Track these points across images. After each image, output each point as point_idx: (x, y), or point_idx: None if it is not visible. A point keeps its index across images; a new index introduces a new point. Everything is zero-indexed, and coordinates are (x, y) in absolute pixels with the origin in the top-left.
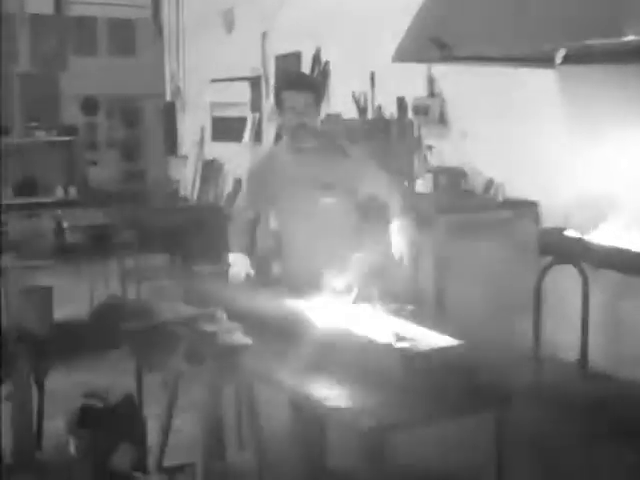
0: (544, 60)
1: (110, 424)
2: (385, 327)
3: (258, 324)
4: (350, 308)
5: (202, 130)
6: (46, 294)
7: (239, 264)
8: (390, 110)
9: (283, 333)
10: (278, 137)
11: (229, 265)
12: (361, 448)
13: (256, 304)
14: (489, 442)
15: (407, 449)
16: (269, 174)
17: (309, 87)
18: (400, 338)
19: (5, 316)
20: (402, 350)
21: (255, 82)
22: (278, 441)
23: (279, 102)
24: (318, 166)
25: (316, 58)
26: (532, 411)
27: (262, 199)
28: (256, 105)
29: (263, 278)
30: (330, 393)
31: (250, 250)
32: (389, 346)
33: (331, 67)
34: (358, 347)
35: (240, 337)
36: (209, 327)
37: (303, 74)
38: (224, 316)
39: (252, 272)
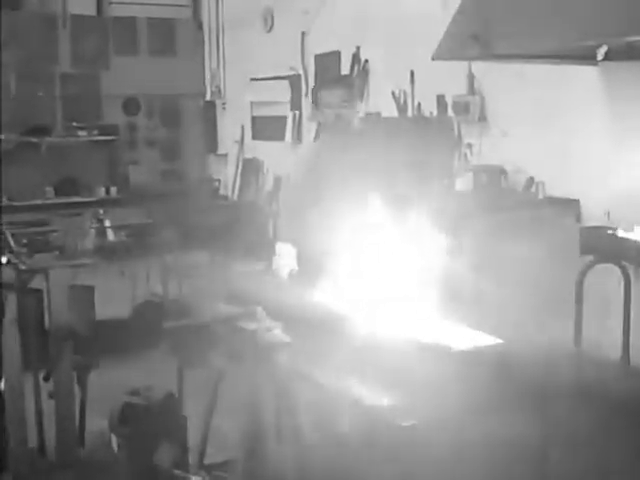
0: (586, 57)
1: (151, 422)
2: (426, 327)
3: (298, 322)
4: (389, 306)
5: (242, 129)
6: (88, 293)
7: (285, 255)
8: (430, 108)
9: (322, 332)
10: (317, 135)
11: (275, 255)
12: (402, 445)
13: (295, 302)
14: (533, 440)
15: (449, 447)
16: None
17: None
18: (443, 338)
19: (49, 315)
20: (444, 349)
21: (295, 81)
22: (317, 439)
23: None
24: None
25: (356, 57)
26: (575, 409)
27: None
28: (296, 104)
29: (310, 273)
30: (370, 391)
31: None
32: (432, 345)
33: (370, 66)
34: (399, 347)
35: (280, 335)
36: (249, 325)
37: None
38: (264, 314)
39: (296, 267)
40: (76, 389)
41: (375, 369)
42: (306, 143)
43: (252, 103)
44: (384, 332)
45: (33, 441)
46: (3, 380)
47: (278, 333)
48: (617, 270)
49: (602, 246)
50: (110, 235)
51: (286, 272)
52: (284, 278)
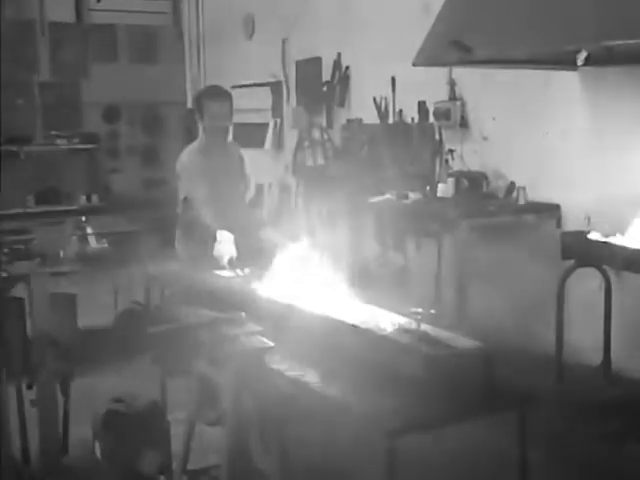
0: (566, 62)
1: (135, 429)
2: (405, 327)
3: (276, 325)
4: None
5: None
6: (71, 301)
7: (225, 242)
8: (411, 114)
9: (303, 332)
10: (300, 142)
11: (216, 241)
12: (383, 450)
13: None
14: (511, 444)
15: (428, 451)
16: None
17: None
18: (422, 340)
19: (31, 323)
20: (424, 352)
21: (276, 88)
22: (301, 444)
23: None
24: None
25: (337, 63)
26: (554, 413)
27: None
28: (277, 111)
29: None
30: (351, 395)
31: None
32: (411, 348)
33: (352, 72)
34: (380, 349)
35: (261, 340)
36: (231, 331)
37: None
38: (245, 319)
39: (235, 254)
40: (59, 397)
41: (354, 372)
42: (287, 150)
43: (233, 109)
44: (363, 333)
45: (17, 449)
46: None
47: (259, 338)
48: (598, 274)
49: (583, 250)
50: (92, 243)
51: (226, 259)
52: (224, 264)
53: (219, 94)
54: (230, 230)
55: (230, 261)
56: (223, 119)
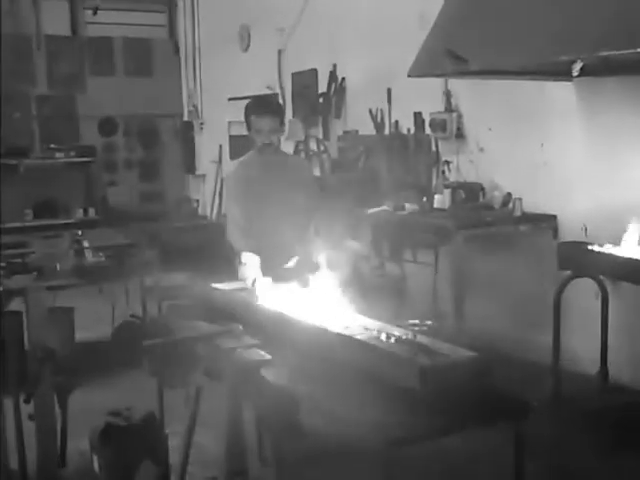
0: (561, 73)
1: (133, 442)
2: (402, 339)
3: (276, 338)
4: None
5: (220, 149)
6: (68, 315)
7: (250, 263)
8: (407, 126)
9: (299, 346)
10: (295, 152)
11: (242, 263)
12: (381, 461)
13: (267, 318)
14: (508, 455)
15: (425, 462)
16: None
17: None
18: (418, 351)
19: (28, 337)
20: (420, 364)
21: None
22: (298, 456)
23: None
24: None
25: (333, 75)
26: (552, 424)
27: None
28: None
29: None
30: (348, 407)
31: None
32: (408, 359)
33: (347, 83)
34: (376, 360)
35: (258, 353)
36: (227, 344)
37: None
38: (242, 332)
39: (260, 276)
40: (57, 410)
41: (350, 384)
42: None
43: (230, 123)
44: (357, 345)
45: (14, 463)
46: None
47: (257, 351)
48: (594, 285)
49: (579, 261)
50: (89, 256)
51: (249, 282)
52: (250, 287)
53: (264, 108)
54: (261, 250)
55: (253, 284)
56: (269, 134)
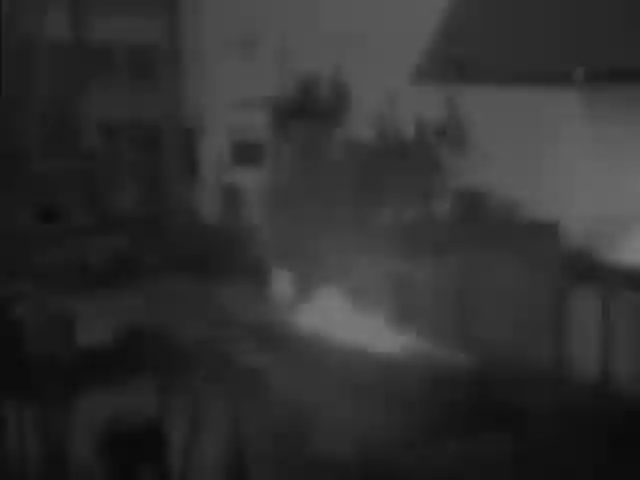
0: (564, 80)
1: (135, 448)
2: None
3: (277, 343)
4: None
5: (221, 154)
6: (69, 321)
7: (282, 281)
8: (410, 132)
9: (301, 352)
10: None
11: (273, 281)
12: (379, 467)
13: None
14: (506, 460)
15: (424, 466)
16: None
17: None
18: (420, 359)
19: (30, 344)
20: (421, 369)
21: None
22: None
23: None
24: None
25: (335, 81)
26: (551, 430)
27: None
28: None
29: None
30: (347, 414)
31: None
32: (407, 365)
33: (350, 89)
34: (376, 366)
35: (258, 358)
36: (227, 348)
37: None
38: (243, 337)
39: (292, 292)
40: (59, 417)
41: (351, 389)
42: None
43: (231, 128)
44: (359, 352)
45: (16, 470)
46: None
47: (256, 355)
48: (597, 292)
49: (582, 268)
50: (91, 261)
51: (283, 298)
52: (282, 303)
53: (301, 113)
54: (294, 265)
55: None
56: (308, 141)
